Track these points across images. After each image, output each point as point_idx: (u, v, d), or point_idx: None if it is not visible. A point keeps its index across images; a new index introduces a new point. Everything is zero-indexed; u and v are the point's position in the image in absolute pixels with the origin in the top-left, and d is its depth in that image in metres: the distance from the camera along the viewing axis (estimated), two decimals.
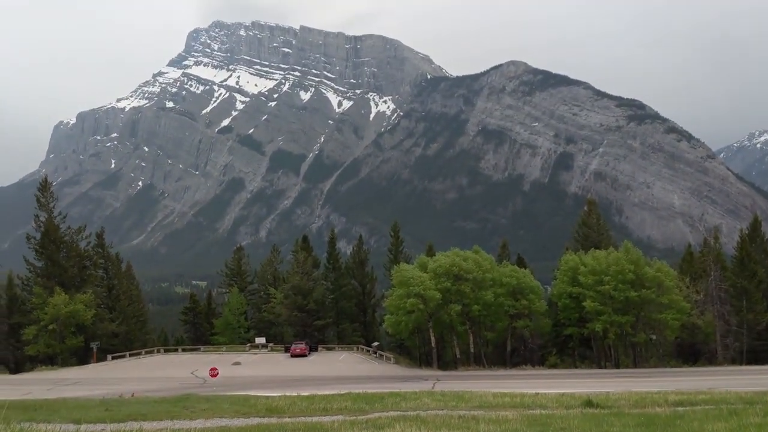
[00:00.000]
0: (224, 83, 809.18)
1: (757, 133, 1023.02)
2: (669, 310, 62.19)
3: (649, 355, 70.64)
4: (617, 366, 67.30)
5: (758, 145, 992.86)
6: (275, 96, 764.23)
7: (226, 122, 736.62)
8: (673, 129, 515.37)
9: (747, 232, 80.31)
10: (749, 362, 67.19)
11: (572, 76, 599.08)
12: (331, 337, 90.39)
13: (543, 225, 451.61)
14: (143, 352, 76.78)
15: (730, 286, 69.63)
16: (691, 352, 72.42)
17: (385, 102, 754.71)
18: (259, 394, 34.14)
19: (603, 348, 69.70)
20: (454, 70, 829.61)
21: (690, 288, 69.82)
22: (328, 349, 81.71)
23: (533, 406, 26.81)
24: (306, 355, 72.29)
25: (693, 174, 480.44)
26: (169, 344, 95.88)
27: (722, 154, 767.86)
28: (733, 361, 67.45)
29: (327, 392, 33.80)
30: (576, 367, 68.81)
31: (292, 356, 71.81)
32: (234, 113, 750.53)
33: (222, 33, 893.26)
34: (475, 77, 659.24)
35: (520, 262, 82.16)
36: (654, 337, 66.52)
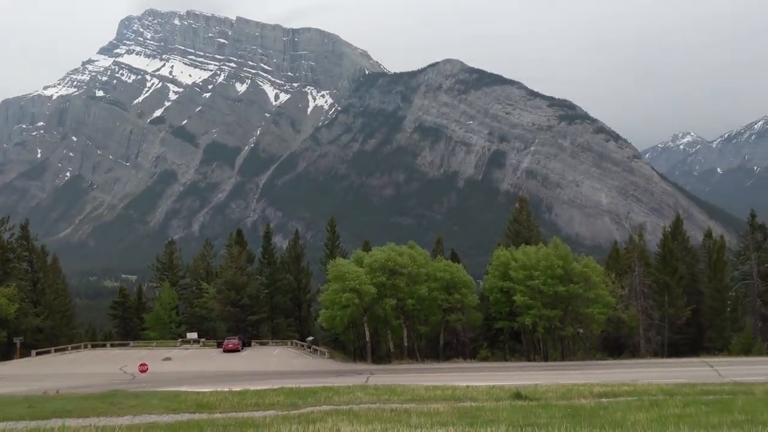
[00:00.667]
0: (157, 73, 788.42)
1: (680, 134, 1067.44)
2: (595, 305, 64.36)
3: (576, 348, 72.82)
4: (546, 359, 69.16)
5: (681, 147, 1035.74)
6: (210, 87, 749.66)
7: (158, 113, 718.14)
8: (601, 129, 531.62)
9: (669, 230, 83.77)
10: (670, 355, 70.03)
11: (506, 75, 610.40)
12: (265, 332, 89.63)
13: (476, 221, 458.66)
14: (69, 348, 74.43)
15: (653, 281, 72.39)
16: (615, 346, 74.95)
17: (322, 96, 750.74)
18: (189, 390, 33.63)
19: (532, 341, 71.56)
20: (392, 66, 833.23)
21: (615, 283, 72.32)
22: (262, 344, 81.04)
23: (464, 399, 27.33)
24: (239, 351, 71.50)
25: (620, 173, 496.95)
26: (97, 339, 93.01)
27: (647, 155, 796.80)
28: (655, 354, 70.17)
29: (259, 387, 33.57)
30: (506, 360, 70.34)
31: (224, 351, 70.94)
32: (167, 104, 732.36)
33: (155, 21, 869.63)
34: (412, 74, 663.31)
35: (454, 257, 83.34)
36: (581, 330, 68.72)
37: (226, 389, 32.81)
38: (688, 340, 75.09)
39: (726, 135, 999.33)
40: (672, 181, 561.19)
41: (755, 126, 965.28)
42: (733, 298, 74.02)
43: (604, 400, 26.14)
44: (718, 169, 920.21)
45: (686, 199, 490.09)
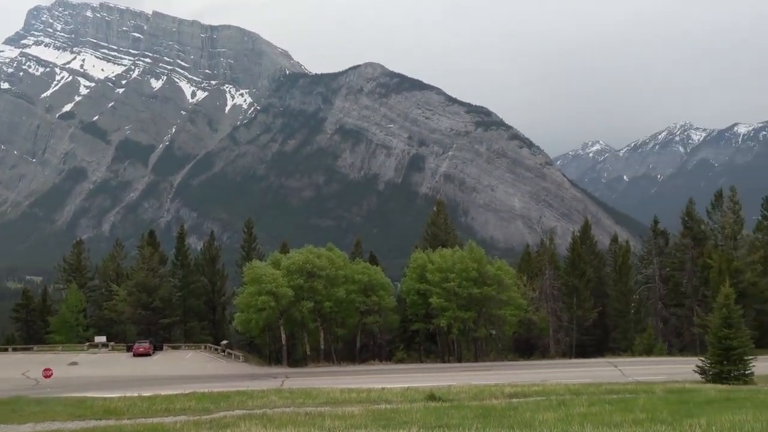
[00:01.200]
0: (67, 66, 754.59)
1: (590, 143, 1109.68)
2: (508, 307, 66.15)
3: (489, 349, 74.55)
4: (460, 360, 70.46)
5: (590, 155, 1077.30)
6: (123, 82, 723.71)
7: (68, 107, 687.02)
8: (516, 136, 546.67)
9: (578, 234, 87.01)
10: (578, 355, 72.68)
11: (426, 81, 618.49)
12: (177, 335, 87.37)
13: (395, 224, 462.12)
14: None
15: (563, 284, 74.99)
16: (526, 347, 77.20)
17: (241, 95, 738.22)
18: (96, 396, 32.46)
19: (447, 342, 72.78)
20: (313, 67, 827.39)
21: (527, 286, 74.53)
22: (174, 348, 78.98)
23: (379, 401, 27.51)
24: (150, 355, 69.54)
25: (532, 179, 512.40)
26: None
27: (559, 162, 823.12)
28: (564, 355, 72.70)
29: (170, 392, 32.77)
30: (422, 362, 71.26)
31: (134, 356, 68.81)
32: (77, 98, 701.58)
33: (66, 13, 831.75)
34: (333, 76, 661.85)
35: (373, 260, 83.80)
36: (494, 332, 70.48)
37: (135, 394, 31.86)
38: (594, 341, 78.18)
39: (632, 144, 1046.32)
40: (581, 187, 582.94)
41: (659, 136, 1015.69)
42: (637, 301, 77.62)
43: (514, 400, 26.86)
44: (625, 177, 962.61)
45: (594, 205, 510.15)
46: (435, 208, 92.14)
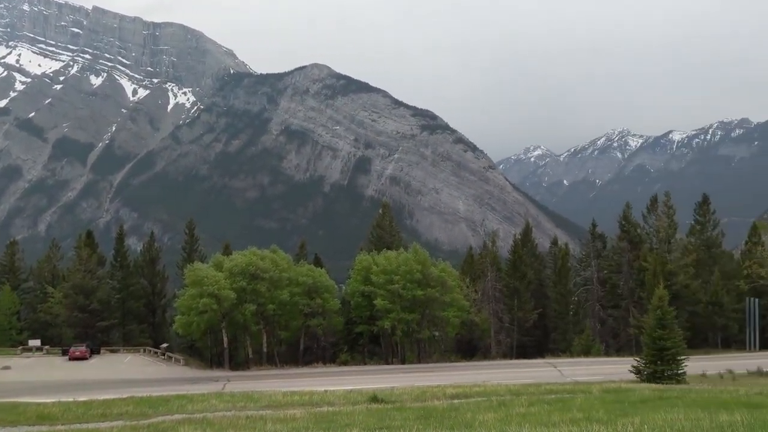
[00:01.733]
0: (2, 61, 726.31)
1: (531, 147, 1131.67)
2: (451, 308, 66.83)
3: (433, 351, 75.14)
4: (403, 361, 70.82)
5: (532, 159, 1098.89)
6: (61, 79, 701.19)
7: (3, 103, 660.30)
8: (460, 140, 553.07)
9: (520, 237, 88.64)
10: (518, 356, 73.97)
11: (372, 83, 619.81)
12: (116, 338, 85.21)
13: (341, 226, 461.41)
14: None
15: (504, 286, 76.20)
16: (469, 348, 78.12)
17: (184, 94, 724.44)
18: (29, 401, 31.37)
19: (391, 344, 73.03)
20: (258, 67, 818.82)
21: (470, 287, 75.44)
22: (113, 351, 76.97)
23: (321, 404, 27.45)
24: (87, 359, 67.59)
25: (476, 182, 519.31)
26: None
27: (501, 166, 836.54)
28: (505, 356, 73.84)
29: (107, 397, 31.95)
30: (365, 364, 71.31)
31: (70, 359, 66.78)
32: (12, 94, 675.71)
33: (2, 6, 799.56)
34: (279, 76, 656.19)
35: (317, 262, 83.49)
36: (437, 333, 71.05)
37: (71, 399, 31.00)
38: (534, 342, 79.74)
39: (572, 150, 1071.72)
40: (523, 191, 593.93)
41: (598, 142, 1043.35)
42: (576, 302, 79.47)
43: (456, 401, 27.16)
44: (565, 181, 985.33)
45: (535, 209, 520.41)
46: (380, 211, 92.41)
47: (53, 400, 30.98)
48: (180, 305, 64.22)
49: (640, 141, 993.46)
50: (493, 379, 41.58)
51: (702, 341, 73.60)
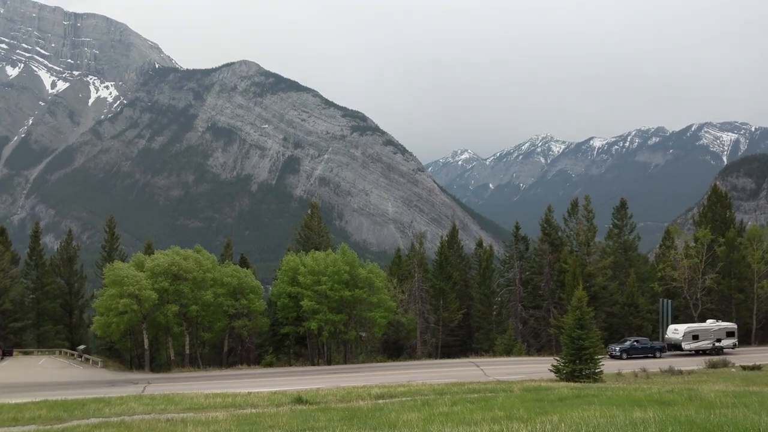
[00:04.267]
0: None
1: (459, 151, 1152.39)
2: (378, 309, 67.06)
3: (359, 351, 75.28)
4: (329, 362, 70.64)
5: (459, 162, 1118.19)
6: None
7: None
8: (390, 142, 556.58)
9: (446, 239, 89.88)
10: (443, 356, 74.94)
11: (302, 83, 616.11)
12: (30, 340, 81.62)
13: (268, 226, 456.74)
14: None
15: (431, 287, 77.05)
16: (395, 348, 78.61)
17: (107, 87, 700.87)
18: None
19: (317, 345, 72.72)
20: (185, 62, 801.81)
21: (397, 288, 75.96)
22: (26, 353, 73.67)
23: (245, 406, 27.09)
24: None
25: (405, 184, 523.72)
26: None
27: (430, 168, 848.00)
28: (430, 356, 74.69)
29: (19, 400, 30.59)
30: (291, 365, 70.80)
31: None
32: None
33: None
34: (206, 72, 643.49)
35: (243, 262, 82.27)
36: (364, 334, 71.17)
37: None
38: (459, 342, 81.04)
39: (498, 154, 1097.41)
40: (450, 193, 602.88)
41: (523, 147, 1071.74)
42: (499, 303, 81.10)
43: (381, 401, 27.29)
44: (490, 185, 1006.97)
45: (462, 211, 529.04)
46: (309, 211, 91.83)
47: None
48: (99, 306, 62.03)
49: (563, 147, 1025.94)
50: (418, 379, 42.00)
51: (618, 341, 76.48)
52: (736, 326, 67.20)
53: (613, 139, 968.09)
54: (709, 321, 67.70)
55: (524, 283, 78.24)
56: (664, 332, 70.61)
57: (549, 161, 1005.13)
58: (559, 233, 79.06)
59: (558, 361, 41.39)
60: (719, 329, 64.57)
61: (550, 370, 41.51)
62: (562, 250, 76.07)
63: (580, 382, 37.54)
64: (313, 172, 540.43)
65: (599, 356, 40.58)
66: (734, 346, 64.90)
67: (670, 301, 72.03)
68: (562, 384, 35.34)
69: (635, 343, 63.17)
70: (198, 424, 19.83)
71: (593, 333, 41.32)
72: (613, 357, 60.97)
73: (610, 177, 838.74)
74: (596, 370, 39.63)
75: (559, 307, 72.92)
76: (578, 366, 39.52)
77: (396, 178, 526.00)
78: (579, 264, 71.29)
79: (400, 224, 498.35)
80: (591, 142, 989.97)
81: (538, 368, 49.41)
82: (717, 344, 63.74)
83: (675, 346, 63.99)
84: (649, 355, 61.73)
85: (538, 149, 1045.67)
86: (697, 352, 62.36)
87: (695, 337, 63.97)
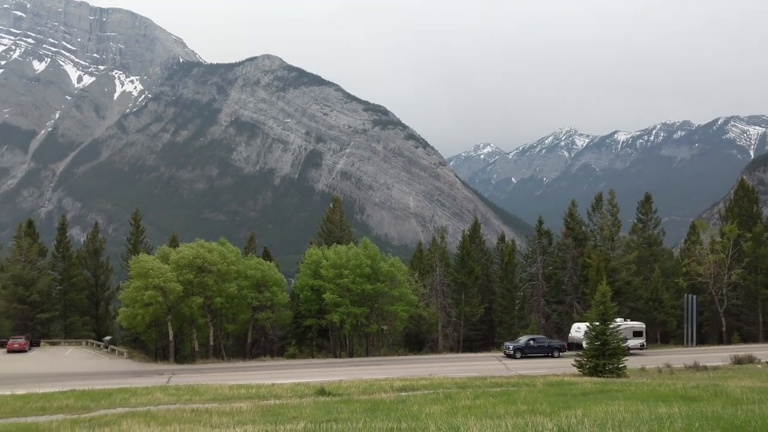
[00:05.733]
0: None
1: (481, 145, 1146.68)
2: (399, 303, 67.20)
3: (380, 345, 75.42)
4: (351, 355, 70.90)
5: (482, 156, 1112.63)
6: (3, 63, 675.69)
7: None
8: (412, 136, 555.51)
9: (468, 233, 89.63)
10: (465, 350, 74.87)
11: (324, 77, 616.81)
12: (57, 331, 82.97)
13: (291, 219, 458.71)
14: None
15: (452, 281, 76.94)
16: (416, 341, 78.68)
17: (131, 82, 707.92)
18: None
19: (339, 338, 73.09)
20: (208, 57, 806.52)
21: (418, 282, 75.97)
22: (53, 344, 74.94)
23: (268, 397, 27.32)
24: (25, 351, 65.73)
25: (427, 179, 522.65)
26: None
27: (452, 163, 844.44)
28: (452, 349, 74.65)
29: (47, 390, 31.17)
30: (313, 357, 71.15)
31: (8, 352, 64.76)
32: None
33: None
34: (229, 66, 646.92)
35: (267, 255, 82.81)
36: (385, 327, 71.35)
37: (8, 393, 30.09)
38: (481, 336, 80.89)
39: (521, 147, 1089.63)
40: (472, 188, 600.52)
41: (546, 140, 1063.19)
42: (521, 297, 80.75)
43: (403, 393, 27.39)
44: (513, 179, 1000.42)
45: (484, 206, 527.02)
46: (331, 205, 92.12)
47: None
48: (124, 297, 62.85)
49: (587, 140, 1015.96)
50: (440, 372, 42.02)
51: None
52: (644, 325, 63.11)
53: (638, 133, 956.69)
54: (617, 319, 64.97)
55: (547, 277, 77.83)
56: (689, 328, 69.88)
57: (573, 155, 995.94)
58: (583, 228, 78.51)
59: (581, 356, 41.20)
60: (626, 328, 58.45)
61: (573, 365, 41.31)
62: (585, 245, 75.54)
63: (604, 377, 37.33)
64: (335, 166, 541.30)
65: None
66: (642, 346, 60.76)
67: (695, 296, 71.19)
68: (586, 379, 35.18)
69: (531, 341, 59.48)
70: (223, 415, 20.06)
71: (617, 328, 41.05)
72: (507, 356, 58.22)
73: (635, 171, 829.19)
74: (620, 366, 39.36)
75: (582, 302, 72.47)
76: (601, 361, 39.29)
77: (417, 172, 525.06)
78: (603, 259, 70.75)
79: (421, 218, 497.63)
80: (615, 135, 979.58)
81: (561, 363, 49.23)
82: (623, 344, 60.25)
83: (578, 346, 59.58)
84: (547, 354, 58.16)
85: (562, 143, 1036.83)
86: None
87: None
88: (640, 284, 74.96)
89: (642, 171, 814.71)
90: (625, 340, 58.19)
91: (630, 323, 61.70)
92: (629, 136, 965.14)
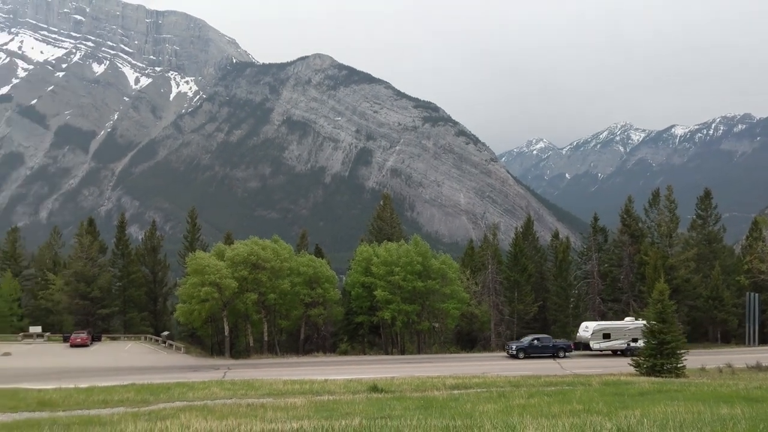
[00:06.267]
0: (4, 47, 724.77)
1: (533, 140, 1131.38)
2: (451, 300, 66.92)
3: (432, 342, 75.27)
4: (403, 352, 70.98)
5: (534, 152, 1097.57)
6: (64, 66, 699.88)
7: (4, 90, 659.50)
8: (462, 132, 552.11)
9: (521, 230, 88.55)
10: None
11: (375, 74, 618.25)
12: (117, 326, 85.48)
13: (342, 217, 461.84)
14: None
15: (505, 278, 76.17)
16: (468, 339, 78.20)
17: (187, 83, 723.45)
18: (30, 387, 31.51)
19: (390, 335, 73.22)
20: (261, 57, 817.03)
21: (470, 279, 75.46)
22: (113, 338, 77.21)
23: (322, 393, 27.56)
24: (87, 345, 67.84)
25: (478, 175, 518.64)
26: None
27: (503, 159, 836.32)
28: (505, 348, 74.04)
29: (108, 384, 32.12)
30: (365, 354, 71.49)
31: (71, 346, 67.01)
32: (15, 81, 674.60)
33: None
34: (281, 66, 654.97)
35: (318, 252, 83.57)
36: (437, 325, 71.14)
37: (71, 386, 31.11)
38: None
39: (575, 143, 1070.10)
40: (525, 184, 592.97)
41: (601, 135, 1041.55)
42: (576, 296, 79.45)
43: (456, 391, 27.27)
44: (567, 175, 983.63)
45: (537, 202, 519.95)
46: (381, 202, 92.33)
47: (54, 387, 31.10)
48: (181, 293, 64.36)
49: (643, 135, 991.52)
50: (493, 371, 41.70)
51: (702, 335, 73.72)
52: None
53: (696, 127, 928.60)
54: (627, 318, 61.88)
55: (602, 275, 76.37)
56: (752, 327, 67.64)
57: (628, 150, 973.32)
58: (640, 224, 76.78)
59: (638, 355, 40.33)
60: (635, 328, 56.29)
61: (630, 365, 40.48)
62: (642, 242, 73.85)
63: (662, 377, 36.45)
64: (385, 164, 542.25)
65: (681, 351, 39.27)
66: None
67: (757, 294, 68.85)
68: (643, 379, 34.41)
69: (535, 341, 58.35)
70: (277, 410, 20.30)
71: (675, 327, 40.05)
72: (510, 356, 57.21)
73: (693, 166, 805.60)
74: (678, 365, 38.37)
75: (639, 301, 70.87)
76: (659, 360, 38.37)
77: (468, 169, 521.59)
78: (660, 256, 69.02)
79: (472, 215, 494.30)
80: (672, 130, 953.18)
81: (617, 362, 48.28)
82: (632, 344, 56.09)
83: (585, 345, 58.54)
84: (551, 354, 56.79)
85: (617, 138, 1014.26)
86: (614, 353, 57.83)
87: (606, 336, 58.17)
88: (699, 282, 72.90)
89: (701, 165, 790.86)
90: (635, 339, 55.96)
91: (641, 322, 56.60)
92: (687, 130, 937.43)
